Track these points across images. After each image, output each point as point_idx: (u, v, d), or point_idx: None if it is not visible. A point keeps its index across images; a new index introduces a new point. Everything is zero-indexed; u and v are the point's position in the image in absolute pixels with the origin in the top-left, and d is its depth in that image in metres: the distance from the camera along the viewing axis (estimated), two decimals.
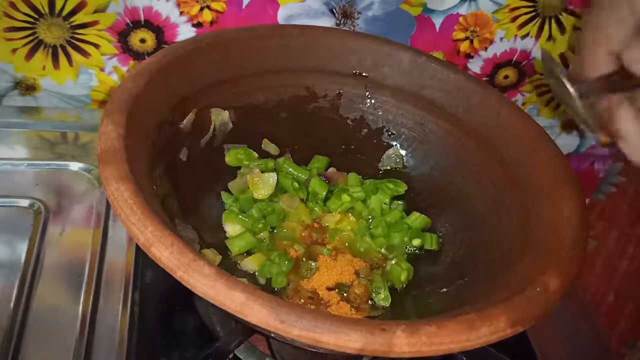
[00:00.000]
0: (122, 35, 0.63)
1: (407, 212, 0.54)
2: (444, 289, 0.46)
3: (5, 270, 0.48)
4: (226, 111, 0.51)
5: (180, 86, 0.47)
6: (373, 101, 0.56)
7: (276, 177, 0.51)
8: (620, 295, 0.74)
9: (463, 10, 0.66)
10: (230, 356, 0.43)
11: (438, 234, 0.52)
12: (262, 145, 0.54)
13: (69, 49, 0.63)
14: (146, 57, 0.64)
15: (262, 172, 0.51)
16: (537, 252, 0.41)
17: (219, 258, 0.46)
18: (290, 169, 0.53)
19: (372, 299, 0.47)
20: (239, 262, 0.47)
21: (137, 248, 0.50)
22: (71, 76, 0.65)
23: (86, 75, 0.65)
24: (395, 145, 0.56)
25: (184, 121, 0.47)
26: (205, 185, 0.50)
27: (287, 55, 0.53)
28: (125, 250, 0.51)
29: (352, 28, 0.66)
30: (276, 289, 0.46)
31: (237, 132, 0.52)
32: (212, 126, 0.50)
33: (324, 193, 0.53)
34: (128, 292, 0.48)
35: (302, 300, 0.46)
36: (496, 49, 0.70)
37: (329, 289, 0.47)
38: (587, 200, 0.83)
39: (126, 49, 0.64)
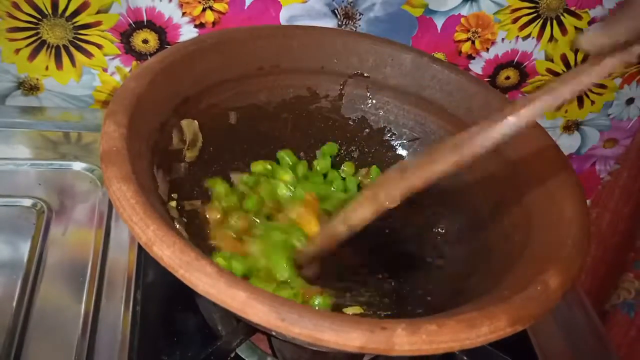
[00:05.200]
0: (125, 36, 0.63)
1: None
2: (444, 288, 0.46)
3: (8, 269, 0.48)
4: (195, 121, 0.49)
5: (183, 86, 0.47)
6: (374, 102, 0.56)
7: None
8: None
9: (464, 11, 0.66)
10: (232, 355, 0.43)
11: (438, 233, 0.52)
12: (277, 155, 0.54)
13: (72, 49, 0.63)
14: (149, 57, 0.64)
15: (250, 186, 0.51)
16: (537, 251, 0.41)
17: None
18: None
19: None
20: None
21: (139, 247, 0.51)
22: (74, 76, 0.66)
23: (89, 76, 0.66)
24: (396, 145, 0.56)
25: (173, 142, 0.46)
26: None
27: (289, 55, 0.53)
28: (128, 250, 0.52)
29: (354, 29, 0.66)
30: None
31: (238, 132, 0.52)
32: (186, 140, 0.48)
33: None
34: (130, 291, 0.48)
35: None
36: (497, 50, 0.70)
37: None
38: (588, 202, 0.84)
39: (129, 50, 0.64)
